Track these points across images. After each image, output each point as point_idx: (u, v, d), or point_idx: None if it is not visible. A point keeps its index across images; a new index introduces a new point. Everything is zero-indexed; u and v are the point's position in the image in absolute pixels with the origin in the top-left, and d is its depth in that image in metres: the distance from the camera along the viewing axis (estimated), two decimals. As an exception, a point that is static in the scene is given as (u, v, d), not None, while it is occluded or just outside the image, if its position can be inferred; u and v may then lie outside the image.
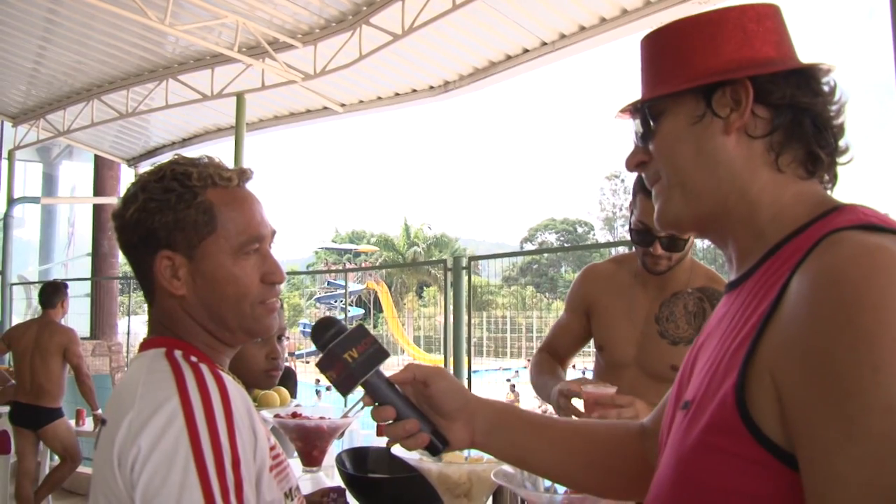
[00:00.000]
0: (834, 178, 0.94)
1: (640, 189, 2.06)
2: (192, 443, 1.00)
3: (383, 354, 1.14)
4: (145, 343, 1.23)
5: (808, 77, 0.91)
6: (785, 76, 0.90)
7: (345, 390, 1.13)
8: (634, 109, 1.01)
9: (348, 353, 1.12)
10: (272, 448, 1.16)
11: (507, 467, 1.54)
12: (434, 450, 1.15)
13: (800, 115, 0.90)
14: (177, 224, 1.17)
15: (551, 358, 2.39)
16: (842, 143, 0.93)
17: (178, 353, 1.14)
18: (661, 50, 0.98)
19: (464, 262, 5.78)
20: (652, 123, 0.98)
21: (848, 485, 0.68)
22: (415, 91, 9.16)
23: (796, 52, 0.95)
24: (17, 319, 10.25)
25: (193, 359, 1.14)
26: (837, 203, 0.88)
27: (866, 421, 0.67)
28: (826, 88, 0.92)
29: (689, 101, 0.94)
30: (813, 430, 0.71)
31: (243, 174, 1.26)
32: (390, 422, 1.14)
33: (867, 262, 0.72)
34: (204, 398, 1.05)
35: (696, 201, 0.95)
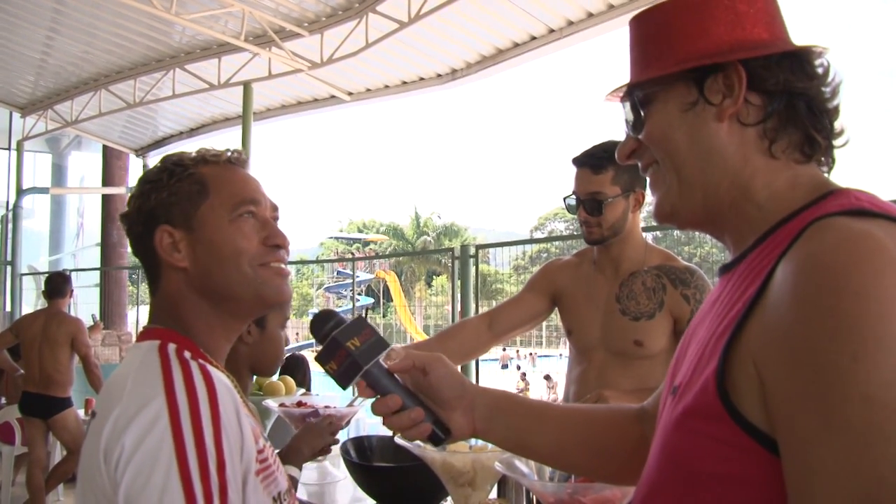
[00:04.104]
0: (831, 162, 0.92)
1: (577, 163, 2.22)
2: (175, 444, 0.98)
3: (384, 345, 1.12)
4: (143, 333, 1.21)
5: (802, 60, 0.89)
6: (778, 60, 0.88)
7: (346, 381, 1.10)
8: (624, 95, 0.99)
9: (350, 342, 1.09)
10: (261, 451, 1.13)
11: (510, 456, 1.53)
12: (436, 439, 1.13)
13: (794, 100, 0.87)
14: (172, 199, 1.19)
15: (468, 327, 2.46)
16: (837, 125, 0.90)
17: (171, 348, 1.12)
18: (649, 32, 0.96)
19: (471, 251, 5.77)
20: (642, 112, 0.96)
21: (828, 475, 0.67)
22: (422, 79, 9.16)
23: (789, 34, 0.93)
24: (27, 309, 10.30)
25: (186, 355, 1.12)
26: (833, 187, 0.86)
27: (846, 410, 0.66)
28: (820, 71, 0.89)
29: (681, 87, 0.91)
30: (794, 419, 0.70)
31: (235, 155, 1.28)
32: (393, 413, 1.12)
33: (850, 250, 0.70)
34: (191, 398, 1.03)
35: (691, 190, 0.93)
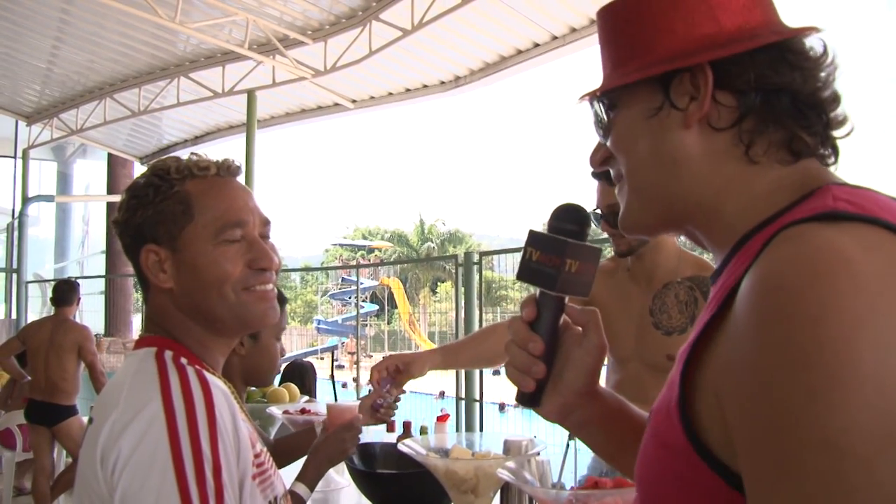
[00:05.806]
0: (833, 154, 0.79)
1: (595, 176, 2.13)
2: (171, 448, 0.99)
3: (586, 291, 0.95)
4: (140, 340, 1.22)
5: (784, 50, 0.76)
6: (751, 55, 0.75)
7: (525, 278, 0.95)
8: (592, 99, 0.88)
9: (572, 261, 0.92)
10: (257, 456, 1.14)
11: (512, 463, 1.53)
12: (524, 401, 0.98)
13: (774, 96, 0.76)
14: (157, 217, 1.18)
15: (498, 331, 2.38)
16: (838, 114, 0.78)
17: (167, 355, 1.13)
18: (614, 27, 0.85)
19: (475, 258, 5.77)
20: (606, 117, 0.86)
21: None
22: (425, 86, 9.16)
23: (776, 19, 0.80)
24: (32, 317, 10.33)
25: (183, 361, 1.12)
26: (821, 182, 0.74)
27: (803, 458, 0.56)
28: (810, 56, 0.78)
29: (646, 91, 0.80)
30: (751, 464, 0.61)
31: (224, 165, 1.25)
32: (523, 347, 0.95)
33: (808, 267, 0.60)
34: (187, 402, 1.03)
35: (654, 205, 0.84)
